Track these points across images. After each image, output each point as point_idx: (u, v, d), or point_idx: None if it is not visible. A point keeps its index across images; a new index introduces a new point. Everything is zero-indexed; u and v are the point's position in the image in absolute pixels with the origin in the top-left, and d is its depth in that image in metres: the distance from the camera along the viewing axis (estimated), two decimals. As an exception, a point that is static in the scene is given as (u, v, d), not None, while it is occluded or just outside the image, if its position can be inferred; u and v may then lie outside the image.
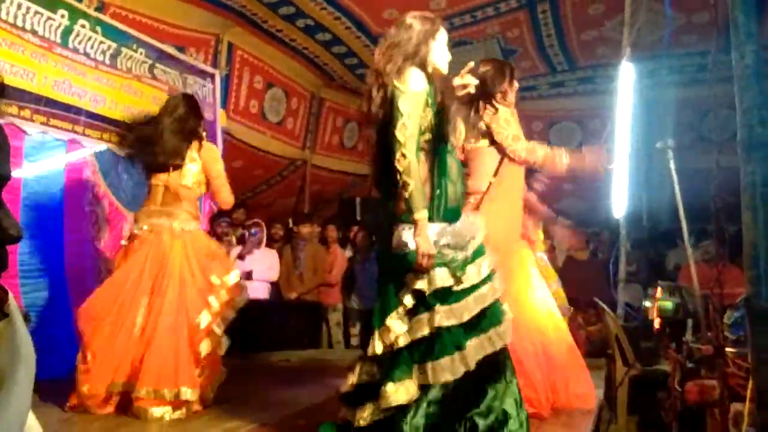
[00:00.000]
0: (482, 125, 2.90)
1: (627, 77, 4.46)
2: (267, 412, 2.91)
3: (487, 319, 2.05)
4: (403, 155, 1.97)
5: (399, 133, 1.99)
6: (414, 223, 1.99)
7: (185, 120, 3.30)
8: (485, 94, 2.82)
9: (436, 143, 2.11)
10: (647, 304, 3.71)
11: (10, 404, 1.33)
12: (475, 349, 1.99)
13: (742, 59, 1.63)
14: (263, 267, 5.60)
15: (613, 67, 5.06)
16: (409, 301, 2.00)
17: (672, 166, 3.24)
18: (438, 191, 2.07)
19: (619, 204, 4.50)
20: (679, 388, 2.89)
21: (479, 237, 2.14)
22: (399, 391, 1.94)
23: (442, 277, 1.99)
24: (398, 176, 1.98)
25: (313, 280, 5.98)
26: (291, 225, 6.54)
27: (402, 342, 2.00)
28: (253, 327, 5.10)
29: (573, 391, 2.93)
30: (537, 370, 2.84)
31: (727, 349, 2.35)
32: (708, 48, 2.07)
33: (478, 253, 2.10)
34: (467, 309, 2.01)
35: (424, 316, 1.99)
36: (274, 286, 5.87)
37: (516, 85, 3.04)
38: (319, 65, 6.41)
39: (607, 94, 5.64)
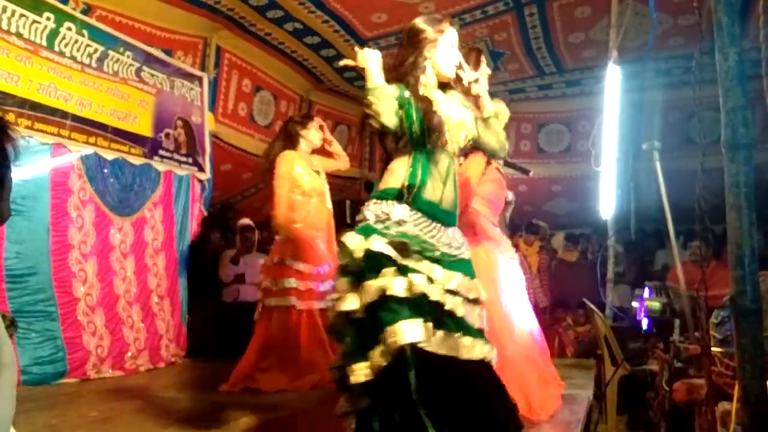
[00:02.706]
0: None
1: (614, 79, 4.50)
2: (259, 416, 2.90)
3: (455, 323, 1.96)
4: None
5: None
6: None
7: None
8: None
9: (420, 146, 2.07)
10: (635, 304, 3.74)
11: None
12: (437, 339, 1.89)
13: (725, 61, 1.64)
14: (255, 270, 5.58)
15: (600, 69, 5.10)
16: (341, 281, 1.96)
17: (658, 167, 3.26)
18: (411, 171, 2.04)
19: (607, 205, 4.53)
20: (667, 387, 2.92)
21: (465, 254, 2.09)
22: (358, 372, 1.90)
23: (377, 245, 1.92)
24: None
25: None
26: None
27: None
28: (244, 330, 5.08)
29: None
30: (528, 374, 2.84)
31: (714, 349, 2.37)
32: (694, 50, 2.09)
33: (458, 266, 2.03)
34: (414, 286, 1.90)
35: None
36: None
37: (484, 69, 2.93)
38: (308, 68, 6.40)
39: (594, 96, 5.70)
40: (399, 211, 2.01)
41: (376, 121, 1.97)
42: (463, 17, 5.26)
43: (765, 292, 1.72)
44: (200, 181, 5.24)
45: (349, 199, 7.40)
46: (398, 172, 2.08)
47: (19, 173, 3.67)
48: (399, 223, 1.99)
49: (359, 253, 1.93)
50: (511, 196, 3.81)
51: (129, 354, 4.30)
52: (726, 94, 1.64)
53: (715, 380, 2.21)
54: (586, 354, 4.91)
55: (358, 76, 6.52)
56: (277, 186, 3.59)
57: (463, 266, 2.08)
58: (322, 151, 3.97)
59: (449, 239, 2.06)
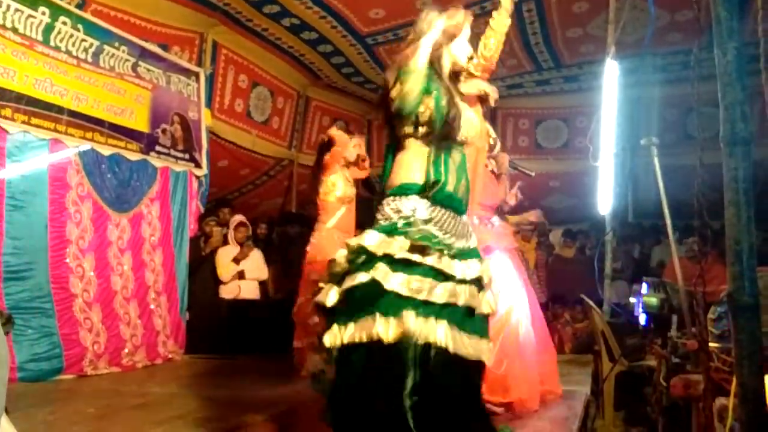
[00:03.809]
0: None
1: (612, 75, 4.49)
2: (256, 412, 2.89)
3: (465, 318, 1.96)
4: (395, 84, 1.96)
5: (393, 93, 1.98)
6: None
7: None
8: None
9: (438, 138, 2.05)
10: (633, 300, 3.74)
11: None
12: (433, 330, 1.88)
13: (724, 56, 1.63)
14: (253, 266, 5.58)
15: (598, 64, 5.09)
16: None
17: (656, 162, 3.26)
18: (434, 170, 2.01)
19: (605, 201, 4.53)
20: (665, 383, 2.92)
21: (473, 242, 2.11)
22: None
23: (401, 246, 1.91)
24: (395, 99, 1.95)
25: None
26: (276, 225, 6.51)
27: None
28: (243, 327, 5.08)
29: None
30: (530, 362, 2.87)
31: (712, 344, 2.37)
32: (692, 46, 2.08)
33: (469, 254, 2.05)
34: (426, 288, 1.90)
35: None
36: (262, 285, 5.84)
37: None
38: (305, 64, 6.37)
39: (592, 91, 5.68)
40: (422, 208, 1.99)
41: (402, 103, 1.95)
42: (461, 13, 5.24)
43: (763, 288, 1.72)
44: (197, 177, 5.22)
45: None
46: (413, 165, 2.03)
47: (17, 168, 3.66)
48: (425, 221, 1.98)
49: (379, 253, 1.91)
50: (515, 189, 3.83)
51: (126, 350, 4.30)
52: (724, 89, 1.63)
53: (712, 376, 2.21)
54: (583, 350, 4.91)
55: (355, 72, 6.50)
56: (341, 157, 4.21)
57: (474, 253, 2.10)
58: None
59: (462, 228, 2.07)
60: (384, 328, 1.85)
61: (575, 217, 7.46)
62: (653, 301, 3.25)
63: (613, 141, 4.49)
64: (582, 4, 5.29)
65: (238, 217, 5.71)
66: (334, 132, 4.34)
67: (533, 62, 6.35)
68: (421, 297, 1.89)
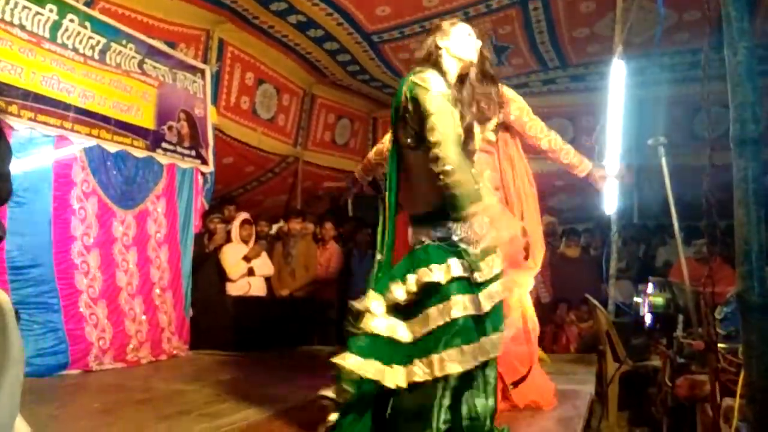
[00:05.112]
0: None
1: (618, 74, 4.47)
2: (260, 409, 2.90)
3: (490, 321, 2.09)
4: (438, 157, 1.98)
5: (430, 136, 2.00)
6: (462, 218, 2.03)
7: None
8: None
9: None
10: (638, 300, 3.73)
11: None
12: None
13: (734, 56, 1.63)
14: (261, 263, 5.60)
15: (605, 64, 5.06)
16: (401, 294, 2.06)
17: (663, 162, 3.25)
18: None
19: (611, 200, 4.51)
20: (670, 383, 2.91)
21: (489, 236, 2.17)
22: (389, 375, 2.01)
23: (458, 267, 2.03)
24: (440, 179, 1.99)
25: (305, 276, 5.96)
26: (281, 223, 6.52)
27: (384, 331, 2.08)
28: (249, 324, 5.09)
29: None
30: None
31: (718, 345, 2.36)
32: (699, 46, 2.08)
33: (488, 251, 2.15)
34: (483, 302, 2.05)
35: (436, 308, 2.01)
36: (267, 282, 5.85)
37: None
38: (311, 62, 6.37)
39: (598, 91, 5.66)
40: (454, 229, 2.08)
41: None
42: (468, 11, 5.24)
43: (772, 289, 1.71)
44: (203, 174, 5.23)
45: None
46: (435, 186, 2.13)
47: (22, 165, 3.67)
48: (459, 241, 2.09)
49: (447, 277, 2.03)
50: None
51: (131, 346, 4.31)
52: (735, 89, 1.62)
53: (719, 376, 2.21)
54: (588, 350, 4.90)
55: (360, 69, 6.50)
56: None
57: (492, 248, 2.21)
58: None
59: (476, 228, 2.14)
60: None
61: (580, 217, 7.45)
62: (659, 300, 3.23)
63: (620, 140, 4.48)
64: (589, 4, 5.27)
65: (243, 215, 5.72)
66: None
67: (539, 61, 6.33)
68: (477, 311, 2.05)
